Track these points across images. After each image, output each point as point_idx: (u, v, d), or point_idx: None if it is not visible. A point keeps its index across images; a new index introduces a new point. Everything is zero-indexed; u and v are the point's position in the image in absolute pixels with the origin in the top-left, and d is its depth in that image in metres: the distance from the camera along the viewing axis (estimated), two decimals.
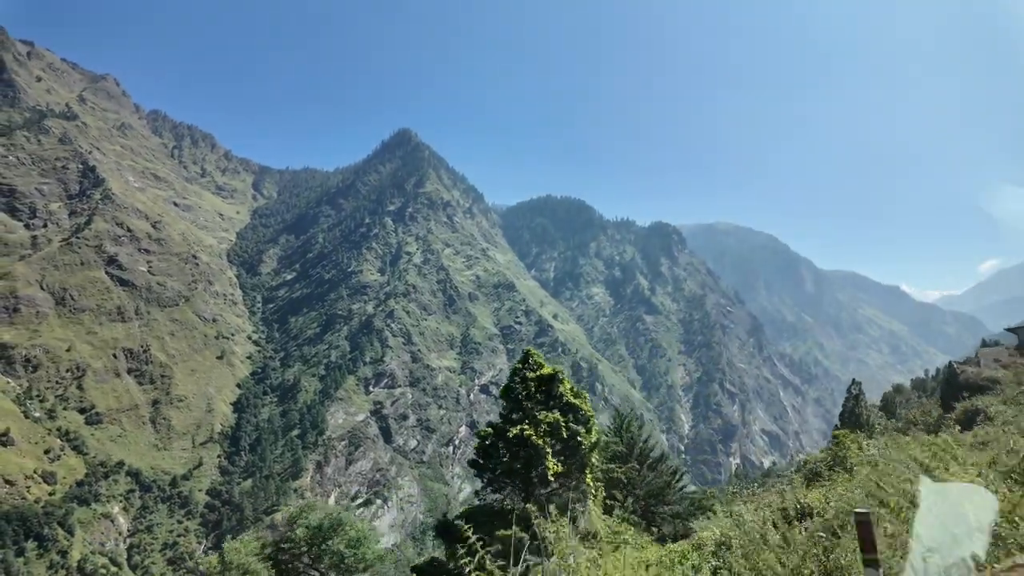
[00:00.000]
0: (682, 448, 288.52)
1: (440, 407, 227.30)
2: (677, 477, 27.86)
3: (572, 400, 23.39)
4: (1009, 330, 35.80)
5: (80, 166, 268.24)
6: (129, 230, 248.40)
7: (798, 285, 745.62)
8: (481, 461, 22.91)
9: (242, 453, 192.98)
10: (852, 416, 28.95)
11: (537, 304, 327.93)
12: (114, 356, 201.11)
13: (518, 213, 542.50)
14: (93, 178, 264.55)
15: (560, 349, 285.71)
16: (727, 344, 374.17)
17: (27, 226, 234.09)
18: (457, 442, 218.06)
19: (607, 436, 30.07)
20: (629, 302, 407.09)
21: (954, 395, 25.06)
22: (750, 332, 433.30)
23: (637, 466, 26.02)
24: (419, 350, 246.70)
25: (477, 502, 24.24)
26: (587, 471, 23.14)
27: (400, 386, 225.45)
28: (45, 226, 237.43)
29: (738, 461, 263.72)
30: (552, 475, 21.16)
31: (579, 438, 22.41)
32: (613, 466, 26.85)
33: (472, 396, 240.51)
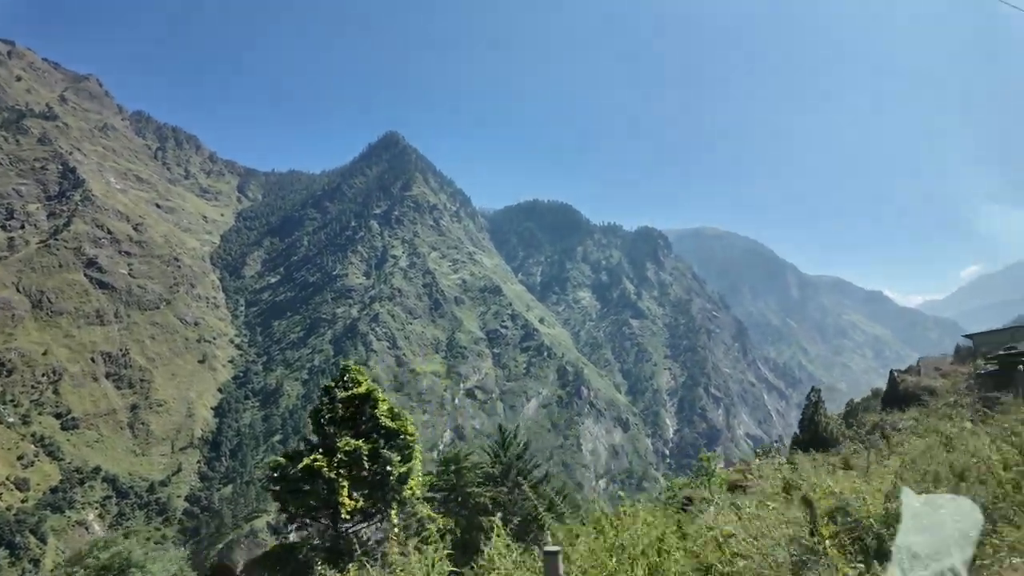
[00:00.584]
0: (667, 452, 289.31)
1: (424, 412, 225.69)
2: (561, 497, 24.49)
3: (388, 424, 21.19)
4: (967, 336, 36.03)
5: (60, 167, 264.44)
6: (109, 232, 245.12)
7: (783, 290, 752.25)
8: (278, 495, 20.14)
9: (222, 459, 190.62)
10: (811, 424, 28.88)
11: (524, 308, 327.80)
12: (92, 360, 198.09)
13: (505, 217, 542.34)
14: (73, 179, 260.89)
15: (546, 353, 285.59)
16: (712, 348, 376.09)
17: (4, 227, 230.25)
18: (441, 447, 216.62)
19: (489, 454, 28.29)
20: (615, 306, 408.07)
21: (894, 404, 25.12)
22: (735, 336, 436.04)
23: (506, 490, 23.86)
24: (404, 354, 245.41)
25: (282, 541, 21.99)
26: (394, 506, 20.76)
27: (384, 390, 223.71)
28: (23, 227, 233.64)
29: (722, 466, 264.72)
30: (347, 512, 18.85)
31: (389, 468, 20.10)
32: (479, 490, 24.39)
33: (457, 401, 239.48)
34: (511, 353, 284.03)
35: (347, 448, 19.41)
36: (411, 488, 21.62)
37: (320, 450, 19.84)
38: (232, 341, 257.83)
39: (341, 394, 21.43)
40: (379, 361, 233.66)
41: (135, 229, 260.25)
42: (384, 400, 22.05)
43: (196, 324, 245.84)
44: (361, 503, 19.58)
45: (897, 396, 27.00)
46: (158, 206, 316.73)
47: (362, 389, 21.46)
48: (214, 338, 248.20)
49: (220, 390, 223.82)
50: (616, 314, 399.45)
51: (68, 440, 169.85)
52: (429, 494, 27.71)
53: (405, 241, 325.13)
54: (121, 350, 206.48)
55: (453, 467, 25.62)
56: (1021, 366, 18.57)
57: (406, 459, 21.42)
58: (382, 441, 20.87)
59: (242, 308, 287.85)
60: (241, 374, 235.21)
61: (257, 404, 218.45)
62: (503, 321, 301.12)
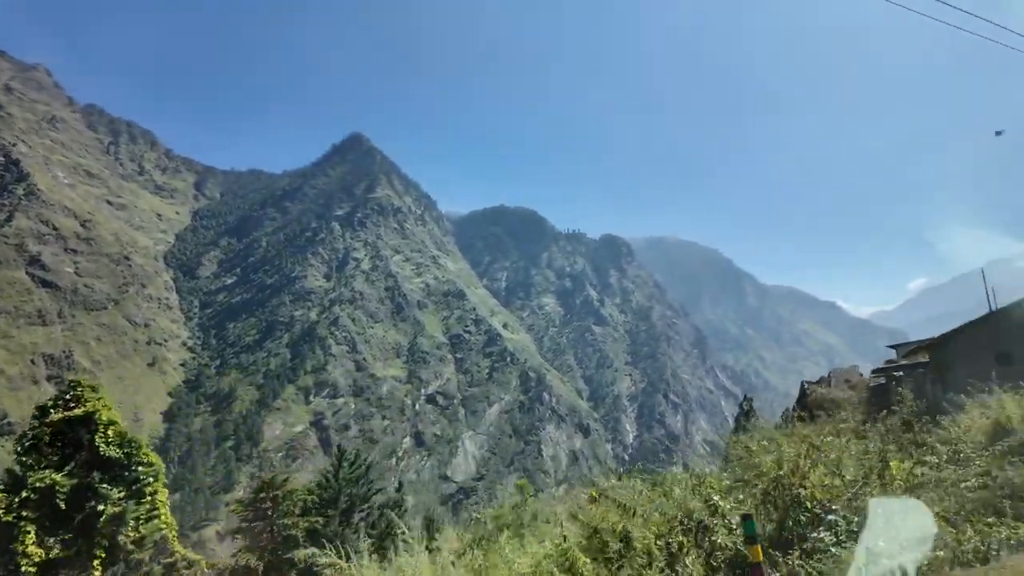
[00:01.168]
0: (626, 458, 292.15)
1: (384, 417, 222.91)
2: (392, 530, 20.71)
3: (111, 453, 17.75)
4: (890, 347, 37.31)
5: (2, 159, 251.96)
6: (55, 228, 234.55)
7: (741, 299, 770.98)
8: None
9: (171, 466, 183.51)
10: (743, 432, 29.27)
11: (488, 313, 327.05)
12: (32, 362, 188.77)
13: (471, 222, 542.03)
14: (16, 172, 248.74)
15: (509, 358, 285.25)
16: (672, 355, 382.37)
17: None
18: (400, 453, 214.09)
19: (323, 478, 23.97)
20: (579, 313, 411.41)
21: (802, 415, 25.70)
22: (694, 344, 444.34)
23: (323, 521, 20.08)
24: (364, 359, 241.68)
25: None
26: (98, 553, 17.10)
27: (343, 396, 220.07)
28: None
29: (680, 471, 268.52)
30: (32, 565, 15.21)
31: (101, 508, 16.69)
32: (291, 520, 21.15)
33: (418, 406, 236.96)
34: (474, 358, 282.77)
35: (37, 484, 15.89)
36: (135, 530, 17.89)
37: (3, 485, 16.33)
38: (184, 344, 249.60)
39: (55, 416, 17.82)
40: (337, 365, 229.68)
41: (83, 226, 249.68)
42: (113, 424, 18.48)
43: (146, 326, 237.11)
44: (58, 551, 15.88)
45: (805, 407, 27.63)
46: (109, 203, 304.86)
47: (80, 411, 17.70)
48: (165, 340, 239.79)
49: (170, 394, 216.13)
50: (579, 320, 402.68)
51: (3, 447, 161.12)
52: (241, 525, 24.00)
53: (368, 243, 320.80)
54: (64, 352, 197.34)
55: (266, 495, 22.22)
56: (894, 381, 19.29)
57: (136, 495, 18.08)
58: (97, 475, 17.30)
59: (196, 310, 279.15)
60: (193, 378, 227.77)
61: (209, 409, 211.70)
62: (466, 326, 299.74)
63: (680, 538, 6.17)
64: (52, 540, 15.90)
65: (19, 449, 17.86)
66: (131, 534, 18.03)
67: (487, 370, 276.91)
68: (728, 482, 8.22)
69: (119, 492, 17.59)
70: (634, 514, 6.84)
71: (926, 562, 5.61)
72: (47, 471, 16.54)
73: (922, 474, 8.48)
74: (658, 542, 6.14)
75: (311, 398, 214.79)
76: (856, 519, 6.27)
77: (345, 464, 22.17)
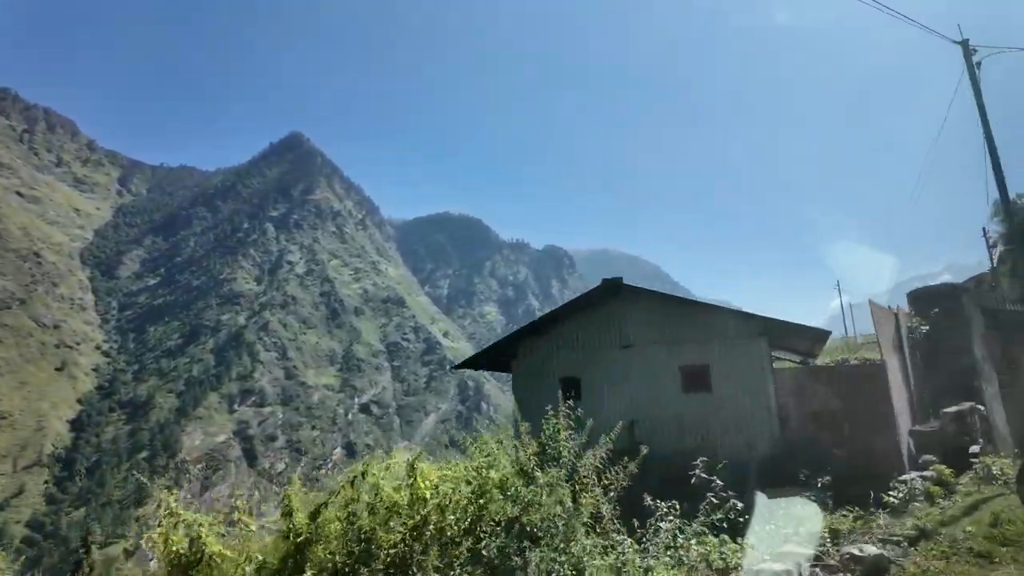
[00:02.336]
0: None
1: (314, 427, 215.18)
2: None
3: None
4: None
5: None
6: None
7: None
8: None
9: (77, 478, 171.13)
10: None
11: (428, 321, 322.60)
12: None
13: (415, 228, 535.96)
14: None
15: (448, 367, 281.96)
16: None
17: None
18: (330, 465, 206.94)
19: None
20: (520, 322, 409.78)
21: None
22: None
23: None
24: (295, 366, 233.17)
25: None
26: None
27: (270, 404, 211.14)
28: None
29: None
30: None
31: None
32: None
33: (351, 416, 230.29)
34: (411, 367, 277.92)
35: None
36: None
37: None
38: (99, 347, 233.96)
39: None
40: (265, 372, 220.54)
41: None
42: None
43: (56, 327, 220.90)
44: None
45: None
46: (20, 194, 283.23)
47: None
48: (77, 343, 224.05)
49: (80, 401, 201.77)
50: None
51: None
52: None
53: (303, 247, 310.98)
54: None
55: None
56: None
57: None
58: None
59: (114, 311, 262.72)
60: (106, 384, 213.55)
61: (124, 417, 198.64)
62: (405, 333, 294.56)
63: None
64: None
65: None
66: None
67: (425, 379, 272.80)
68: None
69: None
70: None
71: None
72: None
73: None
74: None
75: (235, 406, 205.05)
76: None
77: None
